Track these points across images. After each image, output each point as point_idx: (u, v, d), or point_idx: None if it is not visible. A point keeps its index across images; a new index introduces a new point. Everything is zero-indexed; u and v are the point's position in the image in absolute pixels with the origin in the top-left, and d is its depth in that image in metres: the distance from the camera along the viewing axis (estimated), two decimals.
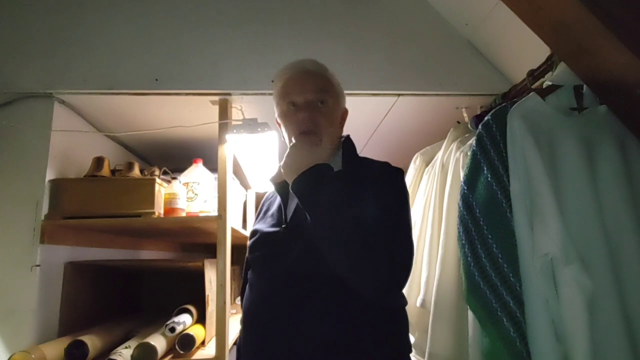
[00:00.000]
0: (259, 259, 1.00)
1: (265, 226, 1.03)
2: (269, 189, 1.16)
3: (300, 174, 0.87)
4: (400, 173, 0.98)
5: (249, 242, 1.06)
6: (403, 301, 0.95)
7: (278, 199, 1.05)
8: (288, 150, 0.92)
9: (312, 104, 0.98)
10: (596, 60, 1.01)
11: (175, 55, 1.51)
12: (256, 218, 1.15)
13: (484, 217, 1.02)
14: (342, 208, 0.82)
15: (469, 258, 1.02)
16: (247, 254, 1.08)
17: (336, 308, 0.86)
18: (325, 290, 0.86)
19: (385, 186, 0.92)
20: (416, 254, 1.42)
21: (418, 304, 1.33)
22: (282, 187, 1.04)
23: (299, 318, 0.86)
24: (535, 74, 1.28)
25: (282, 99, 1.01)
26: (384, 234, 0.81)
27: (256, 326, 0.93)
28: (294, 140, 0.96)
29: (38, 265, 1.31)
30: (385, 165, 0.99)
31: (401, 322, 0.93)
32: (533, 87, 1.28)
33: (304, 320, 0.86)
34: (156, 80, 1.48)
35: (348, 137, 1.07)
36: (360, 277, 0.81)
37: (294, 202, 0.98)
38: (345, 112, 1.09)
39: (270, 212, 1.07)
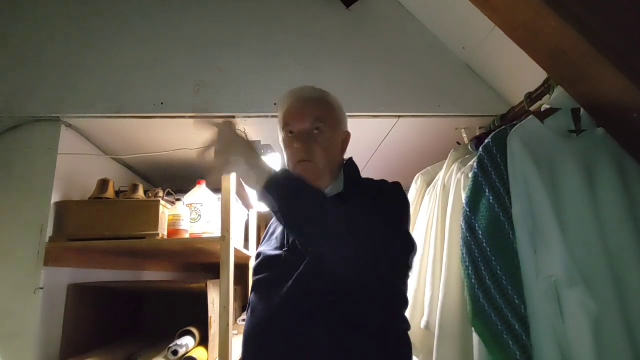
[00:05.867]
0: (262, 282, 1.01)
1: (269, 249, 1.05)
2: None
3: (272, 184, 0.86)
4: (395, 183, 1.01)
5: (254, 265, 1.07)
6: (406, 326, 0.95)
7: None
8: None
9: (307, 132, 1.00)
10: (592, 85, 1.04)
11: (180, 79, 1.55)
12: (262, 240, 1.16)
13: (487, 239, 1.03)
14: (320, 205, 0.84)
15: (473, 280, 1.02)
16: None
17: (336, 332, 0.85)
18: (325, 315, 0.86)
19: (377, 193, 0.96)
20: (419, 274, 1.42)
21: (422, 326, 1.33)
22: None
23: (298, 342, 0.86)
24: (532, 97, 1.31)
25: (282, 127, 1.05)
26: (374, 226, 0.84)
27: (256, 350, 0.93)
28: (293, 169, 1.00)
29: (41, 288, 1.31)
30: (380, 183, 1.02)
31: (403, 347, 0.93)
32: (531, 109, 1.31)
33: (303, 345, 0.86)
34: (162, 104, 1.51)
35: (351, 159, 1.09)
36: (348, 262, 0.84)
37: None
38: (347, 136, 1.10)
39: (275, 235, 1.08)
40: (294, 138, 1.01)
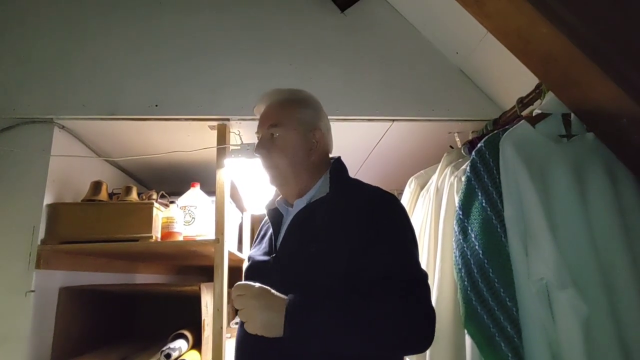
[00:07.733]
0: None
1: (258, 253, 1.04)
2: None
3: (286, 327, 0.78)
4: (395, 201, 0.95)
5: (245, 269, 1.07)
6: None
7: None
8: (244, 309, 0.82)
9: (265, 139, 1.02)
10: (582, 91, 1.06)
11: (175, 82, 1.55)
12: (254, 242, 1.15)
13: (480, 242, 1.04)
14: (354, 312, 0.80)
15: (465, 283, 1.03)
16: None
17: None
18: None
19: (385, 224, 0.89)
20: None
21: None
22: (274, 215, 1.05)
23: (286, 351, 0.83)
24: (524, 102, 1.33)
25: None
26: (406, 292, 0.82)
27: (247, 354, 0.92)
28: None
29: (33, 291, 1.30)
30: (377, 193, 0.95)
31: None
32: (523, 114, 1.33)
33: (291, 354, 0.84)
34: (156, 106, 1.51)
35: (338, 159, 1.05)
36: (409, 349, 0.88)
37: (284, 230, 0.99)
38: (319, 134, 1.02)
39: (265, 239, 1.07)
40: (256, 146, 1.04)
